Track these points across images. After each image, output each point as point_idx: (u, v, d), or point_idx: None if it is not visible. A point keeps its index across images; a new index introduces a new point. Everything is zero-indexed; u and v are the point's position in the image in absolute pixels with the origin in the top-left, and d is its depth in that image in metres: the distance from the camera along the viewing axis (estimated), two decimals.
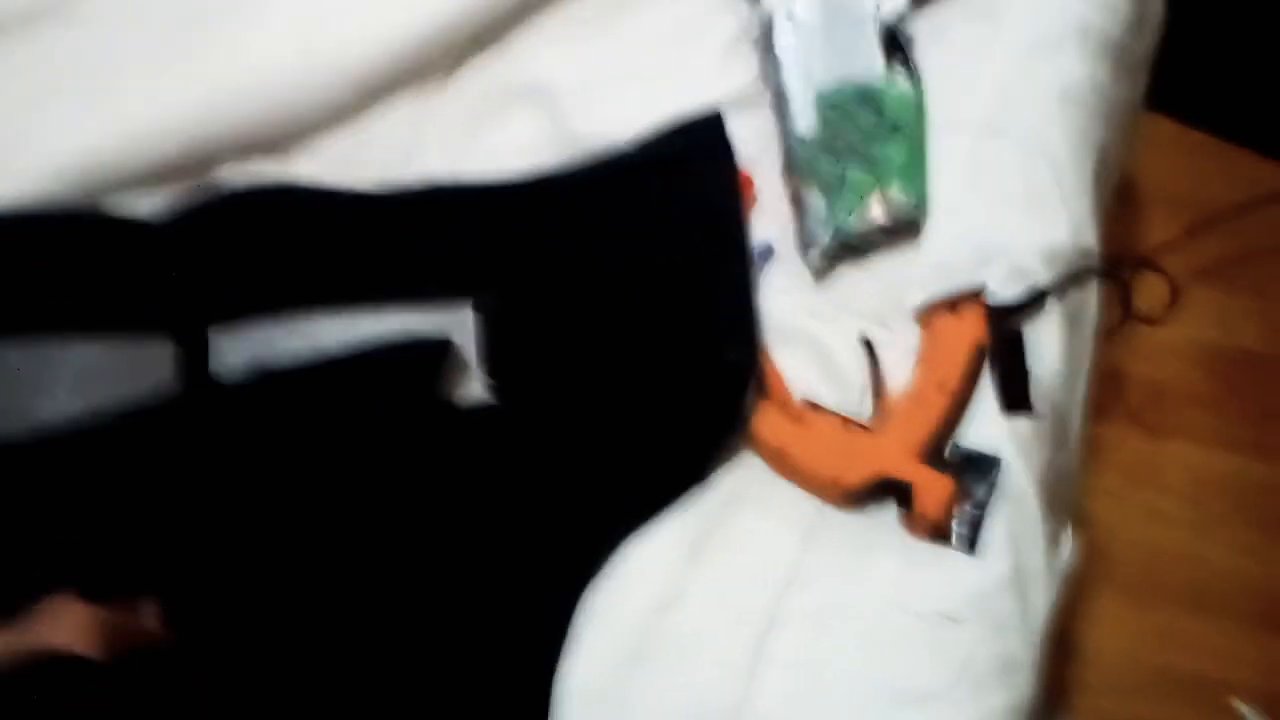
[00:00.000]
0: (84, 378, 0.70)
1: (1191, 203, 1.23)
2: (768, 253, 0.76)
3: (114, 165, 0.74)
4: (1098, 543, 1.13)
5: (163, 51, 0.75)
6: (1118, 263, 0.83)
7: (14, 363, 0.70)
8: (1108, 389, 1.15)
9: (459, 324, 0.73)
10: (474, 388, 0.72)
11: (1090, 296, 0.80)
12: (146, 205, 0.75)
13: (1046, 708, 0.73)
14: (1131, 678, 1.14)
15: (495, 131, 0.78)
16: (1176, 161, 1.29)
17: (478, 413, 0.71)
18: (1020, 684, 0.70)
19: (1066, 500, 0.82)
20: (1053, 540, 0.74)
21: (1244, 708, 1.11)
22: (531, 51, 0.79)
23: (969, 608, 0.70)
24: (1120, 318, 0.85)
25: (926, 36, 0.79)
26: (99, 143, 0.73)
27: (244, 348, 0.71)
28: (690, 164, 0.75)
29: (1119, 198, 0.94)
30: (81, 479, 0.66)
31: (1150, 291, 1.04)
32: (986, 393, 0.74)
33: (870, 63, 0.76)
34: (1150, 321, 1.03)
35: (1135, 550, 1.17)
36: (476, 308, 0.72)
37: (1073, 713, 1.11)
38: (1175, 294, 1.00)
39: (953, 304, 0.74)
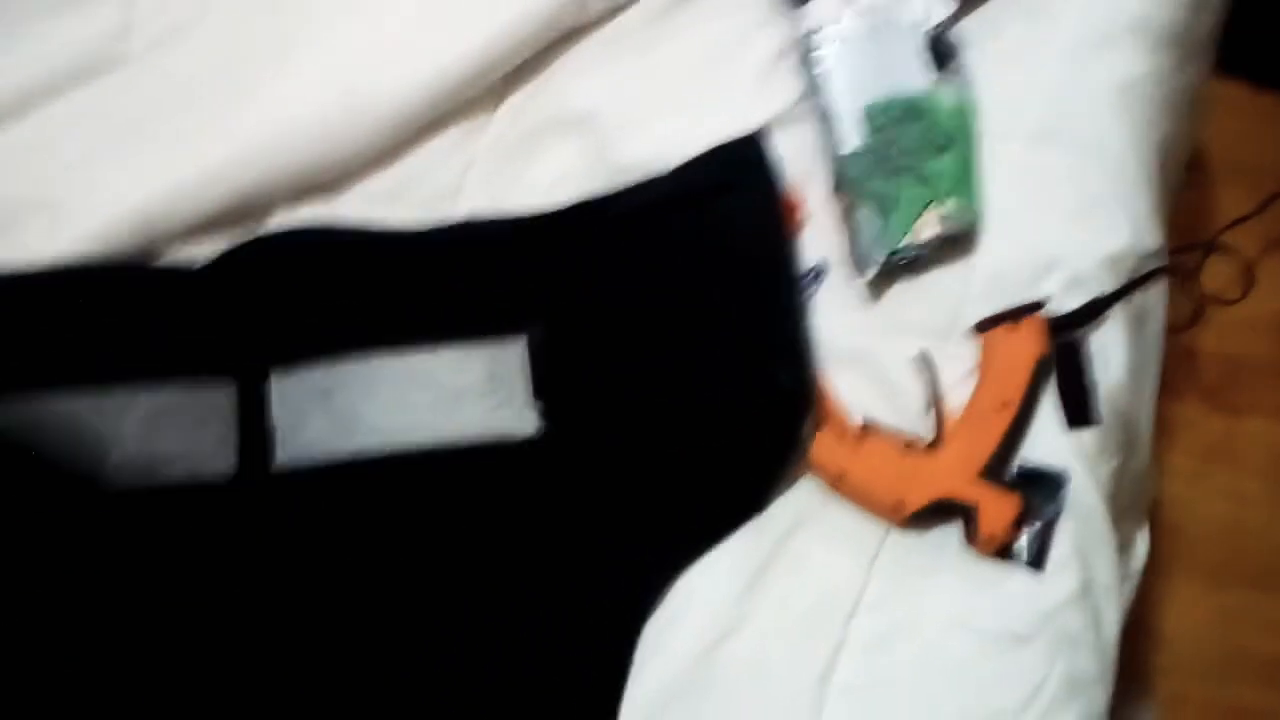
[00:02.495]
0: (150, 427, 0.72)
1: (1266, 170, 1.18)
2: (818, 273, 0.75)
3: (167, 216, 0.75)
4: (1172, 523, 1.10)
5: (208, 103, 0.76)
6: (1185, 251, 0.81)
7: (81, 413, 0.71)
8: (1180, 367, 1.12)
9: (510, 358, 0.73)
10: (524, 422, 0.72)
11: (1155, 295, 0.78)
12: (201, 254, 0.76)
13: (1127, 694, 0.71)
14: (1207, 660, 1.12)
15: (539, 163, 0.78)
16: (1249, 127, 1.23)
17: (530, 446, 0.71)
18: (1093, 699, 0.69)
19: (1137, 503, 0.80)
20: (1122, 549, 0.73)
21: None
22: (571, 81, 0.78)
23: (1037, 626, 0.69)
24: (1192, 308, 0.83)
25: (975, 39, 0.76)
26: (152, 195, 0.74)
27: (302, 389, 0.73)
28: (732, 190, 0.74)
29: (1188, 171, 0.90)
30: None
31: (1222, 270, 1.00)
32: (1049, 406, 0.72)
33: (917, 75, 0.74)
34: (1224, 303, 0.99)
35: (1210, 530, 1.14)
36: (527, 341, 0.73)
37: (1152, 697, 1.09)
38: (1249, 274, 0.97)
39: (1012, 318, 0.72)
